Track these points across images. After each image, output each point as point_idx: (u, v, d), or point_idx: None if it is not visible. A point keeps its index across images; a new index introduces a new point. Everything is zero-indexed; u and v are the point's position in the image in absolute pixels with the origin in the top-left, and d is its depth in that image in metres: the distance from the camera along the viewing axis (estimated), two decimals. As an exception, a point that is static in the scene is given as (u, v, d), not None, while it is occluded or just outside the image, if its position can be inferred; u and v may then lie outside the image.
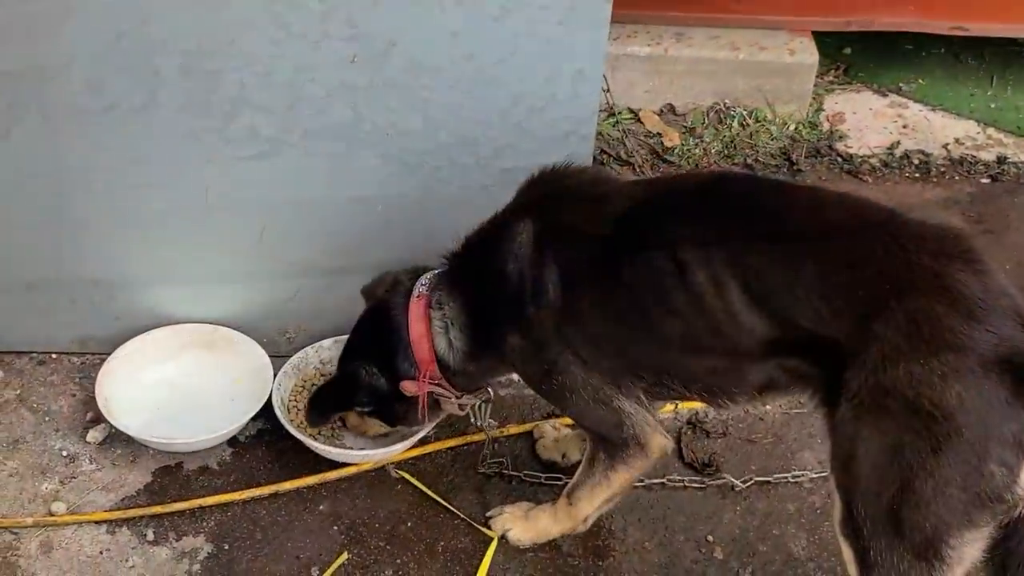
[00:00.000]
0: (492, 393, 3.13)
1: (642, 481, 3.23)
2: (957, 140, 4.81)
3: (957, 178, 4.62)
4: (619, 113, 4.71)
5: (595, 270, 2.66)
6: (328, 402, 3.06)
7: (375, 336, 2.99)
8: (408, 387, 2.94)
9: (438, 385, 2.95)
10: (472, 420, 3.18)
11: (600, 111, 4.49)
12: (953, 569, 2.39)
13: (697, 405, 3.48)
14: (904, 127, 4.88)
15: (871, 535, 2.40)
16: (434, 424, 3.25)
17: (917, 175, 4.63)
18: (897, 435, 2.32)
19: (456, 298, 2.86)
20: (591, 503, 2.96)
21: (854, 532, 2.44)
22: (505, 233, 2.75)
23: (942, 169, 4.65)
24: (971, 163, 4.68)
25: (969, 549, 2.37)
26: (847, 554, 2.49)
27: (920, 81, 5.16)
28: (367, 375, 2.95)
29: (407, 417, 3.08)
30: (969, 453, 2.27)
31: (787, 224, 2.54)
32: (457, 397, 3.00)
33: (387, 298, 2.99)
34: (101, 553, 3.04)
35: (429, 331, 2.88)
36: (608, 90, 4.62)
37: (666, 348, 2.65)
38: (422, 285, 2.91)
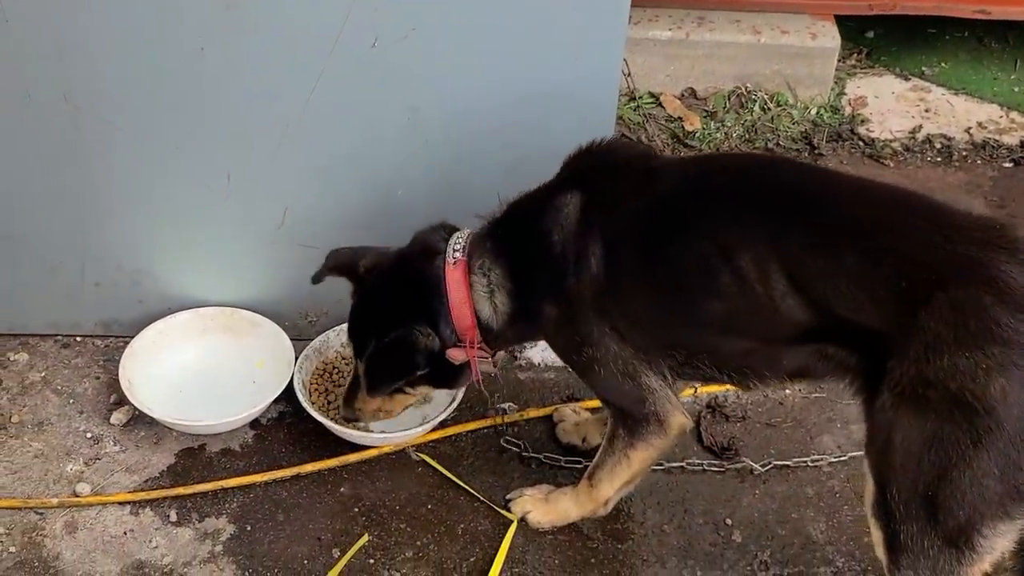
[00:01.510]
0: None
1: (661, 464, 3.24)
2: (980, 124, 4.79)
3: (979, 162, 4.60)
4: (640, 97, 4.70)
5: (639, 245, 2.65)
6: (387, 370, 2.90)
7: (412, 300, 2.88)
8: (456, 355, 2.88)
9: (480, 348, 2.91)
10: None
11: (621, 95, 4.51)
12: (983, 559, 2.40)
13: (717, 389, 3.50)
14: (926, 111, 4.86)
15: (903, 519, 2.41)
16: (455, 405, 3.27)
17: (939, 159, 4.61)
18: (937, 425, 2.32)
19: (502, 264, 2.81)
20: (611, 484, 2.97)
21: (886, 515, 2.45)
22: (552, 202, 2.74)
23: (964, 153, 4.64)
24: (994, 147, 4.66)
25: (1001, 540, 2.38)
26: (876, 536, 2.50)
27: (943, 65, 5.14)
28: (422, 336, 2.83)
29: (452, 381, 3.04)
30: (1009, 447, 2.27)
31: (832, 212, 2.53)
32: (491, 356, 2.96)
33: (419, 261, 2.89)
34: (125, 533, 3.07)
35: (470, 297, 2.83)
36: (629, 74, 4.62)
37: (703, 328, 2.65)
38: (456, 249, 2.85)
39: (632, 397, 2.79)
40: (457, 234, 2.90)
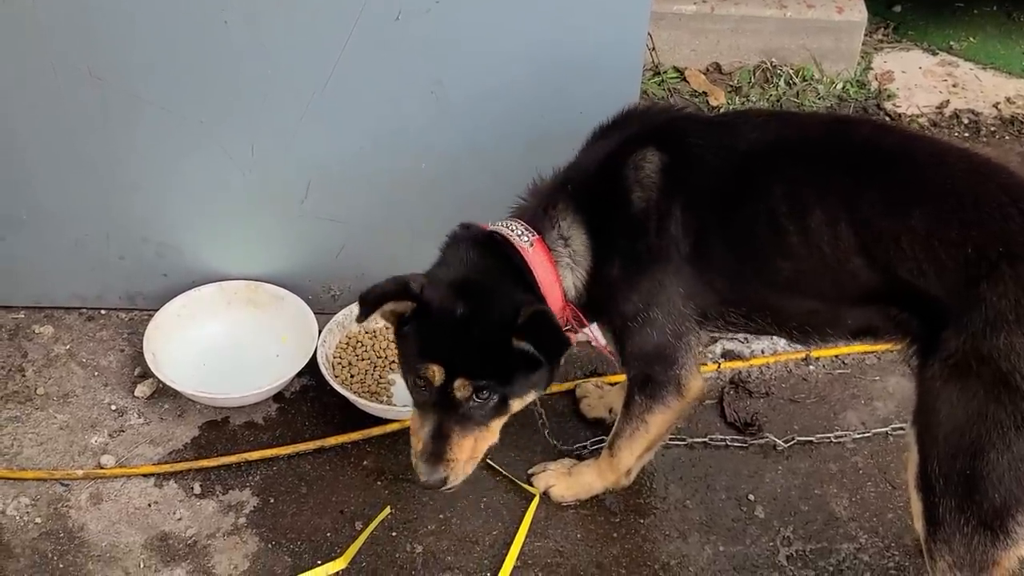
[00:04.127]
0: None
1: (684, 440, 3.24)
2: (1008, 99, 4.75)
3: (1007, 138, 4.56)
4: (664, 72, 4.68)
5: (716, 203, 2.62)
6: (555, 335, 2.56)
7: (509, 289, 2.64)
8: (572, 337, 2.76)
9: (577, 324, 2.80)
10: None
11: (645, 70, 4.48)
12: (1018, 544, 2.40)
13: (740, 365, 3.49)
14: (954, 86, 4.82)
15: (942, 493, 2.41)
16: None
17: (967, 135, 4.57)
18: (983, 403, 2.32)
19: (581, 231, 2.71)
20: (631, 451, 2.96)
21: (926, 487, 2.45)
22: (629, 161, 2.65)
23: (992, 129, 4.60)
24: (1022, 123, 4.62)
25: None
26: (916, 508, 2.51)
27: (971, 39, 5.09)
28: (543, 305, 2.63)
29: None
30: None
31: (904, 173, 2.50)
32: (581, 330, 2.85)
33: (492, 253, 2.68)
34: (149, 505, 3.09)
35: (559, 275, 2.71)
36: (653, 48, 4.59)
37: (771, 286, 2.62)
38: (520, 233, 2.68)
39: (666, 359, 2.76)
40: (501, 221, 2.75)
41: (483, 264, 2.67)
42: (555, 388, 3.41)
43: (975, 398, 2.33)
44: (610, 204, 2.68)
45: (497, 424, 2.72)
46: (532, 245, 2.68)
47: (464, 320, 2.57)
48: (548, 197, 2.76)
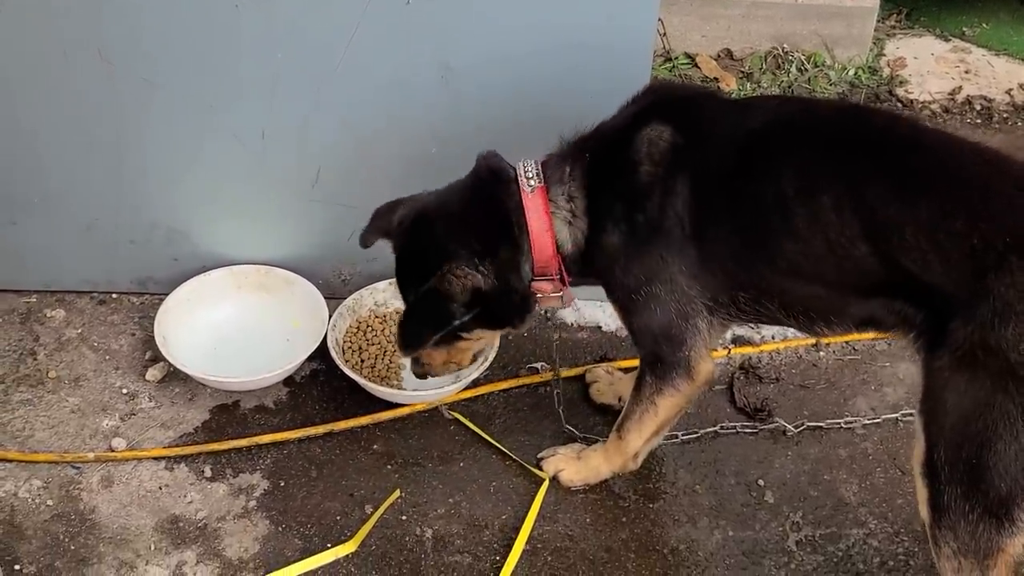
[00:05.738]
0: None
1: (695, 432, 3.25)
2: (1021, 85, 4.73)
3: (1020, 124, 4.55)
4: (675, 58, 4.67)
5: (724, 183, 2.61)
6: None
7: (486, 232, 2.78)
8: (543, 288, 2.81)
9: (559, 281, 2.83)
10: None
11: (656, 55, 4.48)
12: (1022, 532, 2.39)
13: (751, 350, 3.49)
14: (966, 72, 4.80)
15: (948, 481, 2.41)
16: (487, 364, 3.28)
17: (979, 121, 4.56)
18: (990, 394, 2.31)
19: (586, 191, 2.75)
20: (640, 434, 2.96)
21: (932, 474, 2.44)
22: (642, 134, 2.67)
23: (1005, 115, 4.58)
24: (1034, 109, 4.61)
25: None
26: (921, 494, 2.50)
27: (984, 25, 5.07)
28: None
29: (521, 318, 2.90)
30: None
31: (913, 162, 2.49)
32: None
33: (494, 187, 2.81)
34: (160, 488, 3.10)
35: (552, 225, 2.75)
36: (664, 34, 4.59)
37: (777, 270, 2.61)
38: (530, 177, 2.76)
39: (674, 340, 2.76)
40: (526, 160, 2.80)
41: (490, 195, 2.81)
42: (565, 373, 3.42)
43: (982, 388, 2.32)
44: (619, 175, 2.69)
45: (465, 343, 2.98)
46: (533, 191, 2.74)
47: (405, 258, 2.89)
48: (574, 149, 2.80)
